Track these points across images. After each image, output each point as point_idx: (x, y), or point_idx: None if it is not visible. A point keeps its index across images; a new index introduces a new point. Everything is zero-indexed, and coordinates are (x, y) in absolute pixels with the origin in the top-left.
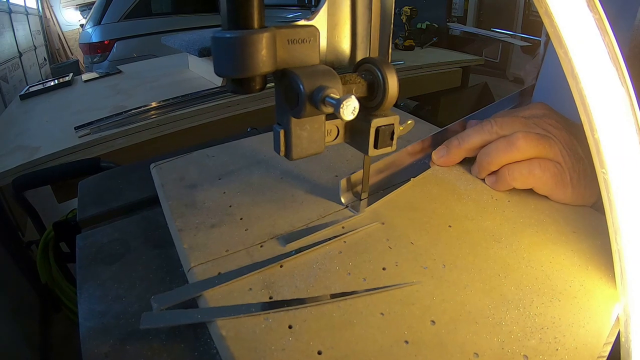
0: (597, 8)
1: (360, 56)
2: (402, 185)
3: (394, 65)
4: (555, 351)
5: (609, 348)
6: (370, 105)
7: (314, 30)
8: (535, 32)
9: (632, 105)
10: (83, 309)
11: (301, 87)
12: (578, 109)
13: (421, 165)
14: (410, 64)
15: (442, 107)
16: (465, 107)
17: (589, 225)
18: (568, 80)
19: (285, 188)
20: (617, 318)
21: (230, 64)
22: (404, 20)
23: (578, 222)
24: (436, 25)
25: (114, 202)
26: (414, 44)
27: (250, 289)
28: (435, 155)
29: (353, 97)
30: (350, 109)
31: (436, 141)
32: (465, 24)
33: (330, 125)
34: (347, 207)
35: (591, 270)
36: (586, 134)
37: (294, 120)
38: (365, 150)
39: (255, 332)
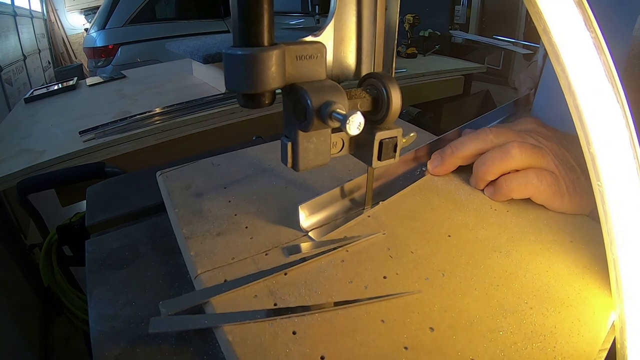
0: (594, 27)
1: (365, 70)
2: (375, 207)
3: (396, 73)
4: (552, 359)
5: (604, 354)
6: (374, 118)
7: (321, 47)
8: (538, 40)
9: (626, 120)
10: (93, 313)
11: (309, 102)
12: (575, 124)
13: (414, 174)
14: (412, 71)
15: (445, 114)
16: (467, 115)
17: (585, 234)
18: (565, 96)
19: (289, 197)
20: (613, 325)
21: (241, 80)
22: (406, 28)
23: (575, 231)
24: (439, 33)
25: (122, 208)
26: (416, 52)
27: (256, 296)
28: (430, 165)
29: (359, 112)
30: (355, 124)
31: (430, 150)
32: (467, 32)
33: (336, 137)
34: (306, 234)
35: (588, 279)
36: (582, 148)
37: (301, 133)
38: (369, 162)
39: (260, 337)
